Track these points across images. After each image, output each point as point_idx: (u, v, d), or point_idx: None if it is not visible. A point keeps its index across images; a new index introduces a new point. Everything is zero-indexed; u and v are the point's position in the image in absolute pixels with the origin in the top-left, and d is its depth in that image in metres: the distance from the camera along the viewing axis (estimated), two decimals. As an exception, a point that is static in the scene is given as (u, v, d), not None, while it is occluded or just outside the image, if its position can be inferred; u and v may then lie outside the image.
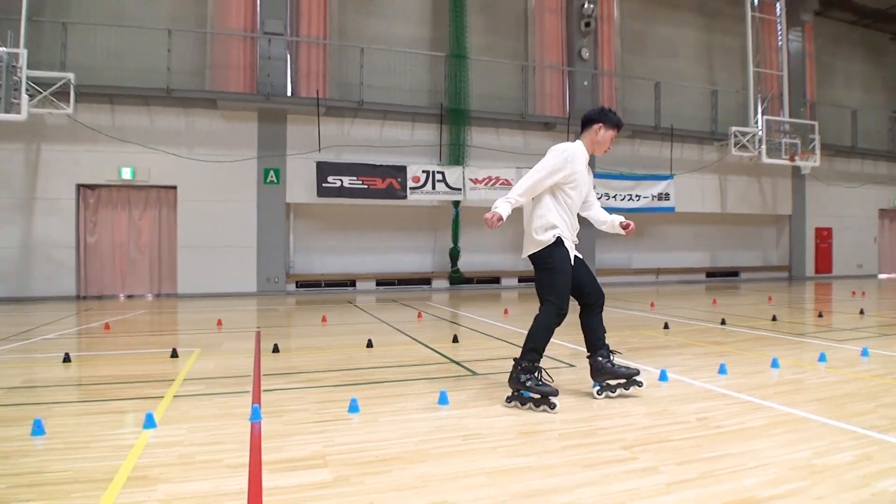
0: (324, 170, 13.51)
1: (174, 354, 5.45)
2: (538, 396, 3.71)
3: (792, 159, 17.37)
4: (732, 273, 18.88)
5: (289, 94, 13.42)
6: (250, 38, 13.08)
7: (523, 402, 3.74)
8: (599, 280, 16.62)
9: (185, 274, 12.84)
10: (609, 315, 8.87)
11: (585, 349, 4.07)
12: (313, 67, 13.77)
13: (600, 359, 4.00)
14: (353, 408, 3.76)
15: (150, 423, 3.41)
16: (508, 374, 3.90)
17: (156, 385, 4.39)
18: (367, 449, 3.14)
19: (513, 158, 15.42)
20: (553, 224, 3.79)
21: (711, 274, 18.59)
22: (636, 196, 16.46)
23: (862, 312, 8.96)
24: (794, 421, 3.59)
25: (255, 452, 3.03)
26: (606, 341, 4.07)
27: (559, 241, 3.79)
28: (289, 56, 13.52)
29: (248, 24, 13.15)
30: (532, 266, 3.87)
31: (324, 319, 8.19)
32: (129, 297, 12.62)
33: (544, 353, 3.83)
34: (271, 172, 13.36)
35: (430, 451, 3.12)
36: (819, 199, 20.07)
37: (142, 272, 12.90)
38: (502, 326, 7.57)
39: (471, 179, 14.65)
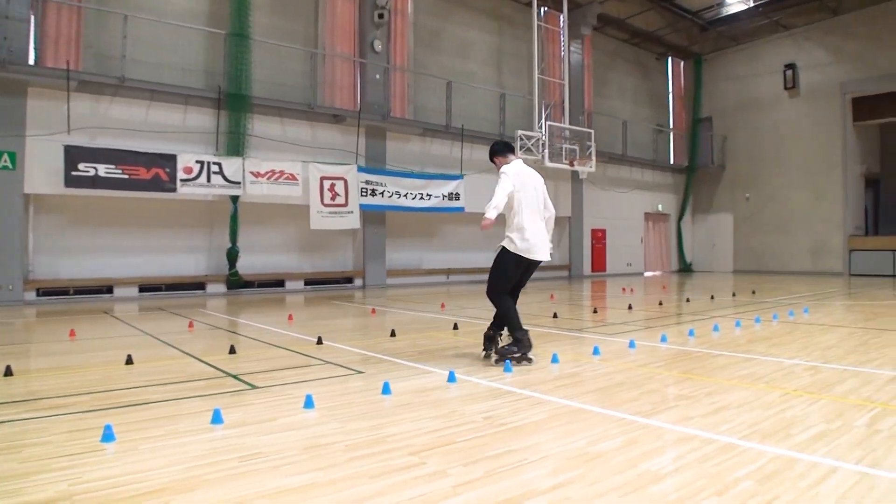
0: (74, 155, 12.62)
1: None
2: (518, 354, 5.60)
3: (571, 164, 19.88)
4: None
5: (31, 62, 12.38)
6: (-21, -7, 11.85)
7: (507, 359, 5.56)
8: (389, 281, 17.68)
9: None
10: (398, 318, 9.37)
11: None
12: (63, 33, 12.76)
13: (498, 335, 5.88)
14: (108, 436, 3.55)
15: None
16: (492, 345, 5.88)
17: None
18: (124, 483, 2.97)
19: (299, 151, 15.69)
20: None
21: (498, 274, 20.53)
22: (427, 195, 17.53)
23: (630, 307, 10.70)
24: (571, 413, 4.04)
25: (-19, 500, 2.76)
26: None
27: None
28: (33, 17, 12.45)
29: (-25, -25, 11.90)
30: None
31: (72, 333, 7.64)
32: None
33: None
34: (4, 156, 12.24)
35: (202, 477, 3.04)
36: (594, 202, 23.28)
37: None
38: (286, 334, 7.54)
39: (251, 172, 14.60)
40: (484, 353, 5.98)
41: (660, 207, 25.98)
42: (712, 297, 12.74)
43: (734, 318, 9.08)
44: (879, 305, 11.25)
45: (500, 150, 5.99)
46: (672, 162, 27.00)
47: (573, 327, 8.32)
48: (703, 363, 5.79)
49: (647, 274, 24.96)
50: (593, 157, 20.48)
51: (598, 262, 23.44)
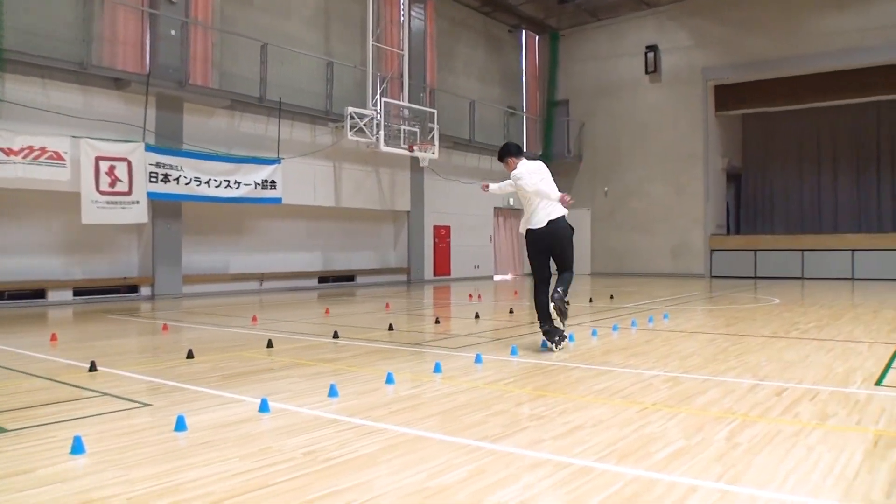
0: None
1: None
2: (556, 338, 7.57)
3: (411, 149, 20.13)
4: (348, 277, 21.08)
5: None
6: None
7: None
8: (186, 289, 16.94)
9: None
10: (197, 335, 9.22)
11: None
12: None
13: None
14: None
15: None
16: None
17: None
18: None
19: (67, 123, 14.56)
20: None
21: (324, 279, 20.34)
22: (235, 183, 16.99)
23: (477, 317, 11.08)
24: (409, 441, 4.10)
25: None
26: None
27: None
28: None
29: None
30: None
31: None
32: None
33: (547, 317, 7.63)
34: None
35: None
36: (438, 194, 23.68)
37: None
38: (48, 359, 7.32)
39: (1, 149, 13.51)
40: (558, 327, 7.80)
41: (511, 202, 26.94)
42: (567, 304, 13.57)
43: (591, 327, 9.65)
44: (739, 310, 12.35)
45: (515, 152, 8.05)
46: (525, 150, 28.18)
47: (412, 341, 8.53)
48: (557, 378, 6.08)
49: (498, 278, 25.85)
50: (436, 142, 20.89)
51: (442, 265, 23.94)
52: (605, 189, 27.34)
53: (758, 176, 28.19)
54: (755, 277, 23.69)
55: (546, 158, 27.90)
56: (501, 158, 8.08)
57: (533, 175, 7.77)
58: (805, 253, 23.25)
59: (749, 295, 16.09)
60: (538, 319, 7.70)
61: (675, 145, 25.73)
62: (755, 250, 24.09)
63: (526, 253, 7.81)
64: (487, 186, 8.41)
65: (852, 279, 22.23)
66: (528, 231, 7.70)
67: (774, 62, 23.70)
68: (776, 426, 4.45)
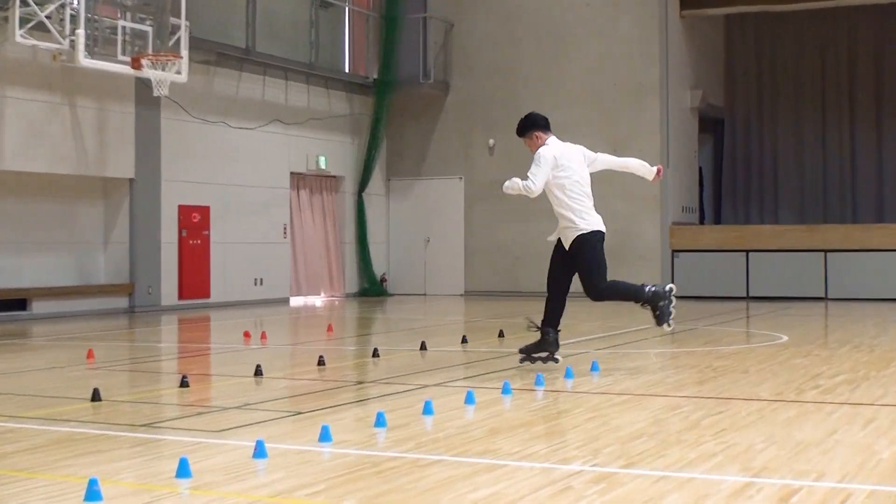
0: None
1: None
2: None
3: (137, 64, 19.61)
4: (15, 303, 20.17)
5: None
6: None
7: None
8: None
9: None
10: None
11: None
12: None
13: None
14: None
15: None
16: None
17: None
18: None
19: None
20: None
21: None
22: None
23: (258, 374, 11.00)
24: None
25: None
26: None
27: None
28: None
29: None
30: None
31: None
32: None
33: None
34: None
35: None
36: (186, 148, 23.07)
37: None
38: None
39: None
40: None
41: (322, 164, 27.07)
42: (423, 348, 13.81)
43: (464, 389, 9.63)
44: (720, 355, 12.78)
45: (544, 124, 11.29)
46: (348, 70, 28.07)
47: (134, 422, 8.49)
48: (401, 483, 5.98)
49: (297, 302, 26.01)
50: (185, 53, 20.46)
51: (195, 280, 23.49)
52: (491, 143, 27.69)
53: (752, 124, 29.29)
54: (747, 298, 24.56)
55: (384, 88, 28.00)
56: (524, 132, 10.87)
57: (581, 161, 10.96)
58: (830, 256, 24.30)
59: (737, 328, 16.59)
60: (637, 298, 11.10)
61: (611, 68, 26.35)
62: (747, 251, 24.97)
63: (592, 255, 10.83)
64: (505, 186, 11.27)
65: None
66: (597, 232, 10.85)
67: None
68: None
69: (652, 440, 7.12)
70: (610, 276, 10.87)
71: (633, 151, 25.63)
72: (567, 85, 26.76)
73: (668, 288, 10.96)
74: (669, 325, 10.99)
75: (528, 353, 11.09)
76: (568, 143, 11.17)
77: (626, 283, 11.36)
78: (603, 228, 10.82)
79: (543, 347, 11.04)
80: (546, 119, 11.05)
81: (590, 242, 10.71)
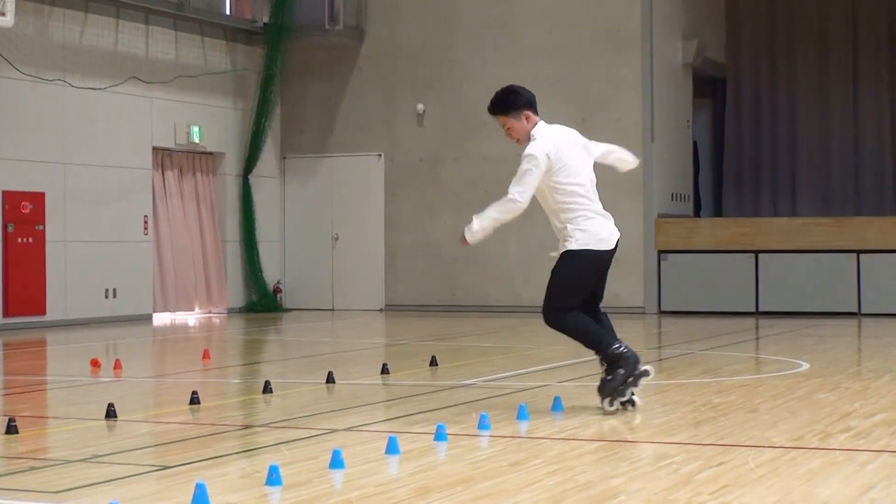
0: None
1: None
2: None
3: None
4: None
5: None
6: None
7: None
8: None
9: None
10: None
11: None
12: None
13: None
14: None
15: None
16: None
17: None
18: None
19: None
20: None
21: None
22: None
23: (111, 415, 10.89)
24: None
25: None
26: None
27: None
28: None
29: None
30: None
31: None
32: None
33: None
34: None
35: None
36: (13, 111, 23.30)
37: None
38: None
39: None
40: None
41: (195, 136, 27.16)
42: (330, 380, 13.80)
43: (385, 434, 9.66)
44: (722, 387, 12.90)
45: (533, 101, 11.06)
46: (229, 13, 28.19)
47: None
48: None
49: (163, 320, 26.11)
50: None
51: (24, 291, 23.32)
52: (420, 108, 27.83)
53: (762, 84, 29.62)
54: (757, 313, 24.80)
55: (280, 33, 28.00)
56: (508, 110, 10.70)
57: (581, 151, 11.07)
58: (864, 258, 24.60)
59: (744, 353, 16.71)
60: (597, 344, 10.77)
61: (580, 11, 26.52)
62: (756, 252, 25.22)
63: (572, 274, 10.79)
64: (468, 237, 10.94)
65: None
66: (596, 252, 10.78)
67: None
68: None
69: (632, 500, 7.19)
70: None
71: (608, 120, 25.98)
72: (521, 32, 26.95)
73: (642, 369, 10.65)
74: (612, 406, 10.49)
75: (609, 395, 10.63)
76: (559, 126, 10.93)
77: (593, 322, 10.89)
78: (612, 243, 10.84)
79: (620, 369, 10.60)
80: (531, 92, 10.68)
81: (579, 259, 10.63)
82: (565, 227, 10.65)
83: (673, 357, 16.33)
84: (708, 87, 29.08)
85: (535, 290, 26.36)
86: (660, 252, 25.80)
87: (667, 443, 9.40)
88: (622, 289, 25.81)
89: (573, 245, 10.50)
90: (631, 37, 26.16)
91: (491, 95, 26.65)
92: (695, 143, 28.47)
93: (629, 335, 19.62)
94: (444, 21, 27.52)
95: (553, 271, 10.70)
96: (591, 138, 25.81)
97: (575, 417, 10.74)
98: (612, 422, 10.52)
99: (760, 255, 25.06)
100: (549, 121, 24.79)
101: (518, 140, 10.96)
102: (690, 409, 11.30)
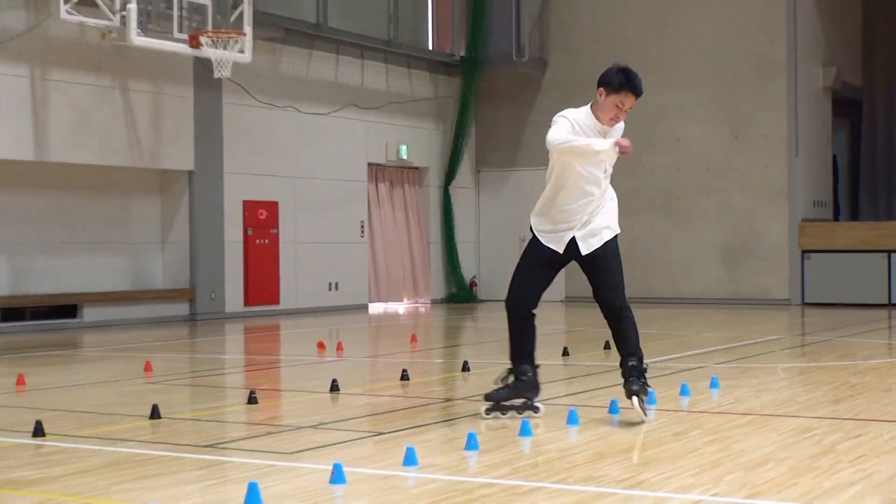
0: None
1: None
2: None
3: (195, 42, 19.82)
4: (65, 309, 20.46)
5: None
6: None
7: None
8: None
9: None
10: None
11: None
12: None
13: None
14: None
15: None
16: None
17: None
18: None
19: None
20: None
21: (13, 313, 19.83)
22: None
23: (335, 388, 11.24)
24: None
25: None
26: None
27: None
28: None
29: None
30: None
31: None
32: None
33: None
34: None
35: None
36: (250, 136, 23.34)
37: None
38: None
39: None
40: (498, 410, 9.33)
41: (403, 153, 27.23)
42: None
43: (566, 407, 9.62)
44: (859, 369, 12.62)
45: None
46: (432, 48, 28.14)
47: (197, 442, 8.53)
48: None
49: (377, 309, 26.15)
50: (248, 31, 20.62)
51: (262, 285, 23.77)
52: (595, 129, 27.51)
53: (895, 105, 28.94)
54: (889, 305, 24.21)
55: (473, 67, 28.04)
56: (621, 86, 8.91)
57: None
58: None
59: (878, 339, 16.35)
60: (514, 367, 9.43)
61: (731, 41, 26.12)
62: (889, 251, 24.60)
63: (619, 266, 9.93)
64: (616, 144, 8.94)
65: None
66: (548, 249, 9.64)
67: None
68: None
69: (780, 467, 7.08)
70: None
71: (756, 137, 25.59)
72: (679, 61, 26.62)
73: (534, 403, 9.26)
74: (487, 415, 9.16)
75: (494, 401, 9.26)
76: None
77: (529, 334, 9.49)
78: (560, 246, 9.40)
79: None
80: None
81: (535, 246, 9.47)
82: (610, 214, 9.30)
83: (815, 343, 16.07)
84: (845, 107, 28.46)
85: (695, 284, 26.19)
86: (803, 251, 25.37)
87: (810, 417, 9.32)
88: (771, 283, 25.53)
89: (618, 230, 9.35)
90: (777, 64, 25.70)
91: (658, 120, 26.57)
92: (834, 157, 27.93)
93: (777, 324, 19.32)
94: (615, 52, 27.27)
95: (612, 256, 9.41)
96: (742, 152, 25.70)
97: (730, 395, 10.79)
98: (763, 399, 10.45)
99: (892, 255, 24.57)
100: (706, 138, 23.77)
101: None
102: (830, 388, 11.18)
